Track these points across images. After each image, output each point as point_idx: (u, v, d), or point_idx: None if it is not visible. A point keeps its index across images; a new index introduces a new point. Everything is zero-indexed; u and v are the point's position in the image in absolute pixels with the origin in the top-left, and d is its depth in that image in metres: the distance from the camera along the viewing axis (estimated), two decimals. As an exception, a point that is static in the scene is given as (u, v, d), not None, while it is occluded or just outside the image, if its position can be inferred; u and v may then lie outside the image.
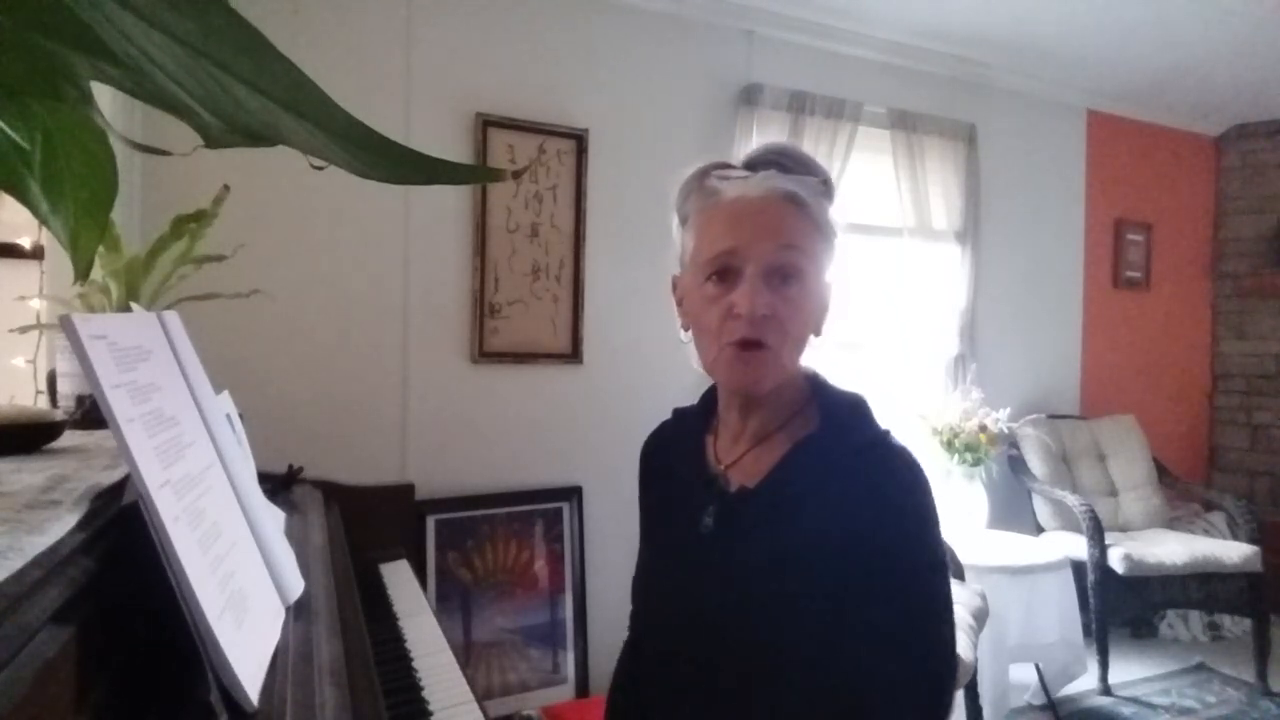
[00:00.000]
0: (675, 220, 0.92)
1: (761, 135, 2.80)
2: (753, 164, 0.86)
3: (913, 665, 0.75)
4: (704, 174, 0.87)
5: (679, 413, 1.02)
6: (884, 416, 0.87)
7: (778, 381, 0.83)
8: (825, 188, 0.85)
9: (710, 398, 0.97)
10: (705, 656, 0.83)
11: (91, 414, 1.10)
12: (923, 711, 0.76)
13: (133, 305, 1.10)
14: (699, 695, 0.84)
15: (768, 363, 0.80)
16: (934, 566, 0.79)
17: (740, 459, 0.88)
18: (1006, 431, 3.05)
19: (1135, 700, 2.83)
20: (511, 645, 2.43)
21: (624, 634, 1.03)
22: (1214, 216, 4.19)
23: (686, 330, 0.90)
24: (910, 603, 0.77)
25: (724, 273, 0.81)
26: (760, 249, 0.80)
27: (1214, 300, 4.19)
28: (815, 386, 0.89)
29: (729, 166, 0.87)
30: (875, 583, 0.76)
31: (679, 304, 0.91)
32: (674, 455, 0.98)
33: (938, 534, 0.81)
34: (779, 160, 0.85)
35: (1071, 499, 3.02)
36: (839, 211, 0.88)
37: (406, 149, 0.31)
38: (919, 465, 0.82)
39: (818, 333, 0.86)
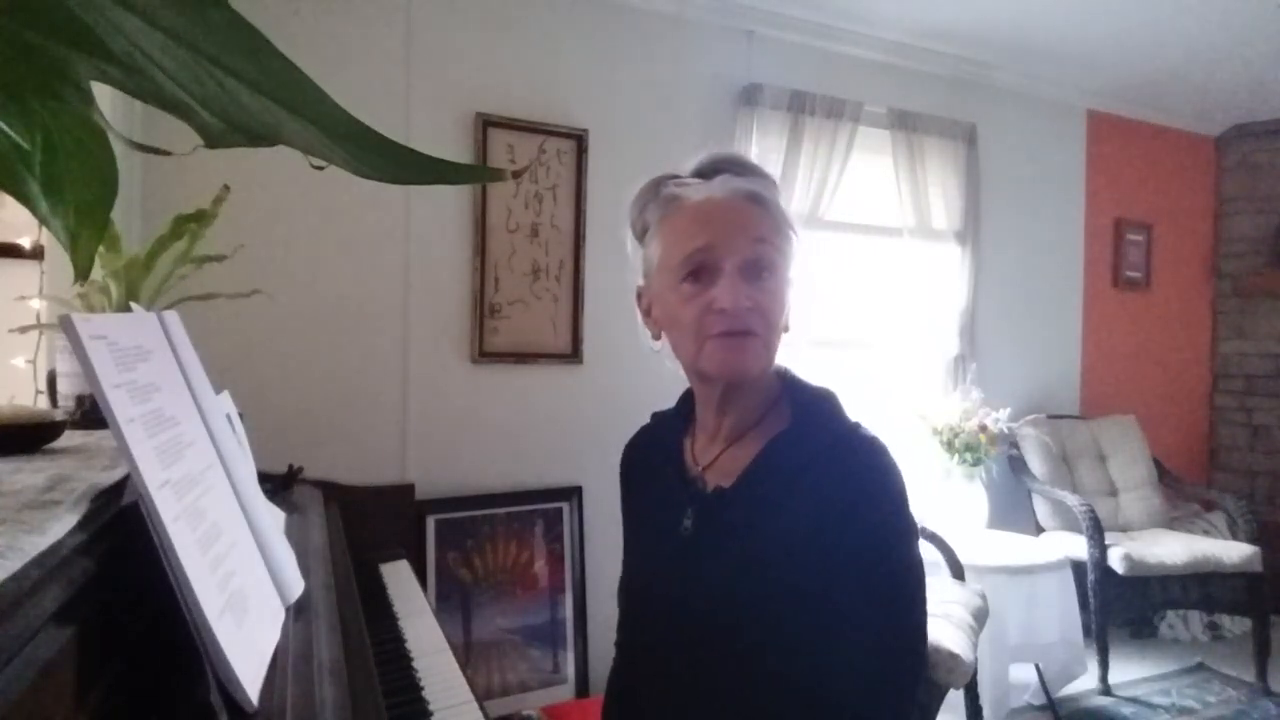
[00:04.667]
0: (629, 236, 0.93)
1: (761, 135, 2.80)
2: (703, 172, 0.88)
3: (882, 652, 0.77)
4: (658, 184, 0.89)
5: (657, 416, 1.03)
6: (854, 409, 0.88)
7: (764, 367, 0.85)
8: (776, 188, 0.89)
9: (686, 401, 0.98)
10: (690, 656, 0.84)
11: (91, 414, 1.10)
12: (891, 694, 0.77)
13: (133, 305, 1.10)
14: (687, 694, 0.84)
15: (757, 349, 0.82)
16: (907, 557, 0.80)
17: (716, 459, 0.89)
18: (1006, 431, 3.05)
19: (1135, 700, 2.83)
20: (511, 645, 2.43)
21: (623, 635, 1.03)
22: (1214, 216, 4.19)
23: (657, 339, 0.91)
24: (882, 592, 0.78)
25: (699, 271, 0.83)
26: (736, 244, 0.81)
27: (1214, 300, 4.19)
28: (786, 383, 0.91)
29: (679, 176, 0.89)
30: (849, 572, 0.77)
31: (646, 314, 0.91)
32: (654, 459, 0.98)
33: (909, 519, 0.81)
34: (729, 166, 0.87)
35: (1071, 499, 3.01)
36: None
37: (406, 149, 0.31)
38: (889, 454, 0.82)
39: (787, 328, 0.88)
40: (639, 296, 0.93)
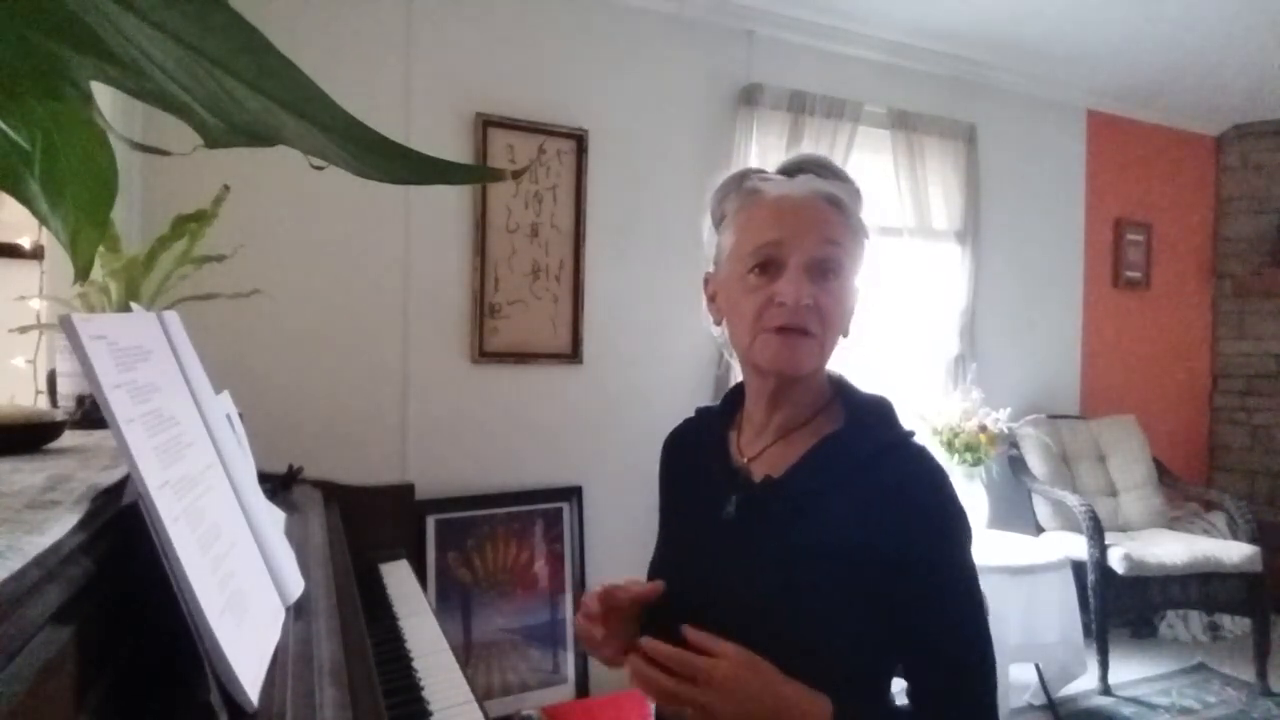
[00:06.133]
0: (707, 221, 0.95)
1: (761, 135, 2.80)
2: (789, 170, 0.90)
3: (975, 644, 0.83)
4: (744, 177, 0.91)
5: (702, 411, 1.04)
6: (908, 419, 0.89)
7: (816, 366, 0.86)
8: (858, 194, 0.90)
9: (733, 396, 0.99)
10: (722, 637, 0.84)
11: (91, 414, 1.10)
12: (992, 680, 0.82)
13: (133, 305, 1.10)
14: None
15: (810, 347, 0.83)
16: (970, 559, 0.83)
17: (763, 452, 0.90)
18: (1006, 431, 3.05)
19: (1135, 700, 2.83)
20: (511, 645, 2.43)
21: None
22: (1214, 216, 4.19)
23: (719, 325, 0.93)
24: (959, 592, 0.81)
25: (766, 264, 0.84)
26: (805, 242, 0.83)
27: (1214, 300, 4.19)
28: (839, 387, 0.92)
29: (764, 171, 0.91)
30: (917, 586, 0.79)
31: (711, 299, 0.94)
32: (696, 449, 0.99)
33: (966, 523, 0.83)
34: (814, 167, 0.89)
35: (1071, 499, 3.01)
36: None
37: (406, 149, 0.31)
38: (941, 467, 0.84)
39: (845, 333, 0.89)
40: (706, 282, 0.95)
